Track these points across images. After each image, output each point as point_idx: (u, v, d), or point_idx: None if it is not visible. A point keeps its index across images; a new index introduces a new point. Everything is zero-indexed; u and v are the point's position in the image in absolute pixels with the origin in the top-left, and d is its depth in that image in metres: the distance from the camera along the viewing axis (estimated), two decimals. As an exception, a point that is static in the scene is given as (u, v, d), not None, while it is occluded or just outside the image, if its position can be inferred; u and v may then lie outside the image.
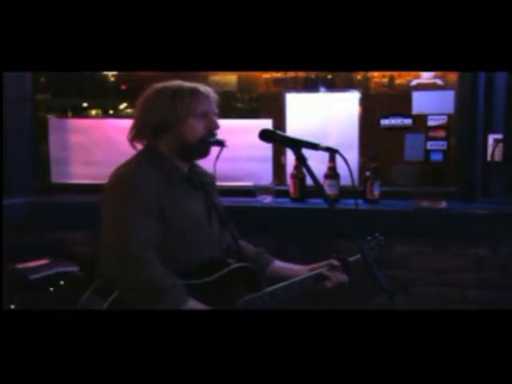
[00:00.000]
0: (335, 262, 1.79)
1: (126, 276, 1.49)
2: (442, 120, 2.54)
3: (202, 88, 1.71)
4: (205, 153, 1.71)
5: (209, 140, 1.69)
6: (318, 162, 2.08)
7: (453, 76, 2.52)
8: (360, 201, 2.45)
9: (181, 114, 1.65)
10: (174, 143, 1.68)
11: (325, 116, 2.61)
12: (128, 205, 1.55)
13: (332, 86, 2.71)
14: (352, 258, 1.79)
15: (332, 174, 2.43)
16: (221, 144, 1.69)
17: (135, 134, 1.71)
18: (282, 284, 1.71)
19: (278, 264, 1.87)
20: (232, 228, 1.82)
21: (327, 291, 1.77)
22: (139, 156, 1.70)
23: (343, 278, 1.78)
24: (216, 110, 1.73)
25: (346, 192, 2.40)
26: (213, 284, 1.62)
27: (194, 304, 1.53)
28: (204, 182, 1.77)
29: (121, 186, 1.60)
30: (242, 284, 1.65)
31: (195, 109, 1.66)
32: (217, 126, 1.71)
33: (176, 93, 1.66)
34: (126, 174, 1.62)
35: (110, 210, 1.58)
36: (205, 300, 1.55)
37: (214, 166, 1.73)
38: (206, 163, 1.79)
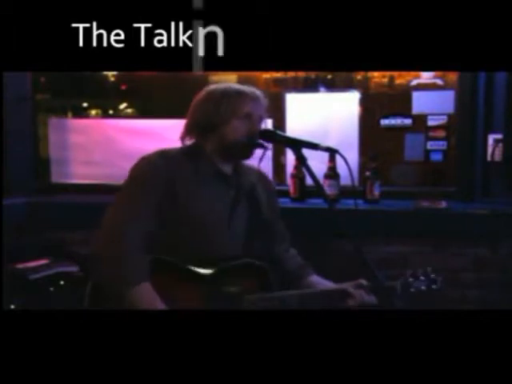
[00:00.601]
0: (364, 282, 1.63)
1: (100, 247, 1.59)
2: (442, 120, 2.54)
3: (249, 90, 1.73)
4: (247, 155, 1.73)
5: (251, 143, 1.69)
6: (317, 162, 2.08)
7: (453, 76, 2.52)
8: (360, 201, 2.44)
9: (225, 115, 1.68)
10: (217, 144, 1.71)
11: (325, 116, 2.61)
12: (133, 188, 1.65)
13: (332, 86, 2.71)
14: (388, 283, 1.58)
15: (332, 174, 2.43)
16: (263, 147, 1.70)
17: (185, 133, 1.76)
18: (295, 292, 1.67)
19: (315, 279, 1.83)
20: (276, 237, 1.84)
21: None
22: (179, 148, 1.75)
23: (370, 299, 1.60)
24: (262, 114, 1.73)
25: (346, 192, 2.40)
26: (216, 275, 1.62)
27: (147, 290, 1.54)
28: (241, 183, 1.77)
29: (137, 170, 1.69)
30: (249, 281, 1.64)
31: (239, 110, 1.68)
32: (259, 129, 1.71)
33: (223, 94, 1.70)
34: (148, 159, 1.69)
35: (121, 188, 1.68)
36: (208, 293, 1.58)
37: (258, 165, 1.75)
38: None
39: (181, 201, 1.64)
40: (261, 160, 1.70)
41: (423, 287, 1.59)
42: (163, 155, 1.70)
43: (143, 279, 1.55)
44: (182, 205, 1.64)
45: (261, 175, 1.87)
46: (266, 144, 1.69)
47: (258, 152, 1.72)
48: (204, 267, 1.62)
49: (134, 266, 1.55)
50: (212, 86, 1.76)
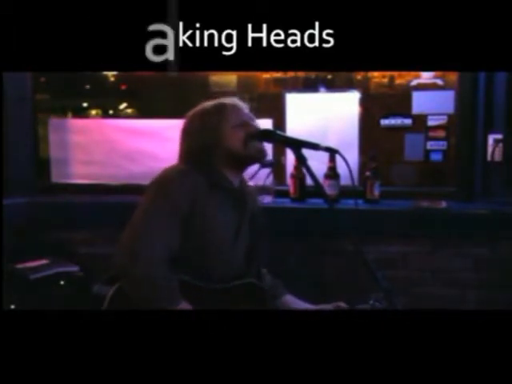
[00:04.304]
0: (343, 305, 1.74)
1: (128, 268, 1.54)
2: (442, 120, 2.54)
3: (229, 101, 1.74)
4: (253, 161, 1.73)
5: (261, 162, 1.72)
6: (318, 162, 2.08)
7: (453, 76, 2.52)
8: (360, 201, 2.44)
9: (216, 129, 1.68)
10: (222, 155, 1.70)
11: (325, 116, 2.60)
12: (157, 205, 1.60)
13: (332, 86, 2.71)
14: (359, 306, 1.68)
15: (332, 174, 2.43)
16: (272, 165, 1.72)
17: (183, 157, 1.75)
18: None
19: (290, 299, 1.85)
20: (260, 250, 1.83)
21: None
22: (188, 164, 1.71)
23: None
24: (252, 117, 1.75)
25: (346, 192, 2.40)
26: (220, 292, 1.63)
27: (185, 307, 1.54)
28: (246, 200, 1.77)
29: (160, 186, 1.64)
30: (248, 300, 1.66)
31: (228, 120, 1.69)
32: (257, 129, 1.71)
33: (205, 112, 1.71)
34: (169, 175, 1.66)
35: (142, 204, 1.63)
36: (209, 306, 1.57)
37: (264, 183, 1.76)
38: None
39: (198, 218, 1.62)
40: (268, 176, 1.71)
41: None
42: (183, 172, 1.66)
43: (180, 300, 1.55)
44: (198, 222, 1.62)
45: (256, 192, 1.88)
46: (271, 161, 1.71)
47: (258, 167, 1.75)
48: (207, 284, 1.62)
49: (171, 288, 1.55)
50: (190, 112, 1.76)
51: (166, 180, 1.64)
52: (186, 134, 1.74)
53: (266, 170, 1.77)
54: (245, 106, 1.77)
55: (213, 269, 1.65)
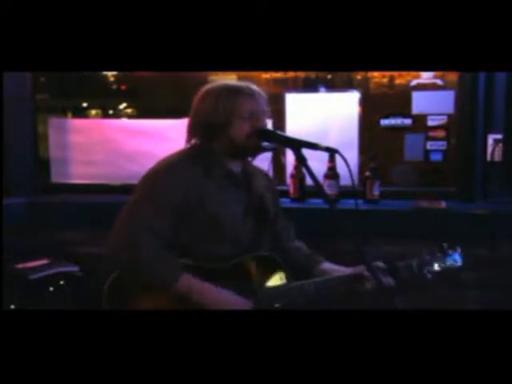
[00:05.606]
0: (380, 264, 1.71)
1: (118, 255, 1.57)
2: (442, 120, 2.54)
3: (247, 87, 1.69)
4: (255, 153, 1.71)
5: (262, 147, 1.67)
6: (317, 162, 2.08)
7: (453, 76, 2.53)
8: (360, 201, 2.45)
9: (226, 116, 1.64)
10: (224, 143, 1.68)
11: (325, 116, 2.61)
12: (146, 198, 1.61)
13: (332, 86, 2.71)
14: (401, 263, 1.69)
15: (332, 173, 2.43)
16: (273, 150, 1.71)
17: (189, 135, 1.73)
18: (312, 280, 1.68)
19: (326, 265, 1.83)
20: (281, 230, 1.84)
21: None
22: (184, 151, 1.72)
23: (387, 280, 1.68)
24: (264, 109, 1.70)
25: (346, 192, 2.40)
26: (230, 270, 1.63)
27: (188, 280, 1.56)
28: (250, 182, 1.76)
29: (150, 179, 1.66)
30: (264, 273, 1.64)
31: (239, 110, 1.65)
32: (264, 126, 1.69)
33: (220, 94, 1.66)
34: (160, 168, 1.66)
35: (133, 195, 1.65)
36: (223, 285, 1.58)
37: (268, 169, 1.79)
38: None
39: (196, 206, 1.62)
40: (271, 161, 1.71)
41: (436, 268, 1.71)
42: (174, 164, 1.66)
43: (181, 272, 1.56)
44: (197, 210, 1.62)
45: (265, 173, 1.87)
46: (276, 147, 1.69)
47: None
48: (218, 264, 1.62)
49: (170, 265, 1.57)
50: (208, 85, 1.72)
51: (153, 174, 1.65)
52: (197, 109, 1.70)
53: (268, 155, 1.75)
54: (262, 95, 1.71)
55: (223, 251, 1.65)
